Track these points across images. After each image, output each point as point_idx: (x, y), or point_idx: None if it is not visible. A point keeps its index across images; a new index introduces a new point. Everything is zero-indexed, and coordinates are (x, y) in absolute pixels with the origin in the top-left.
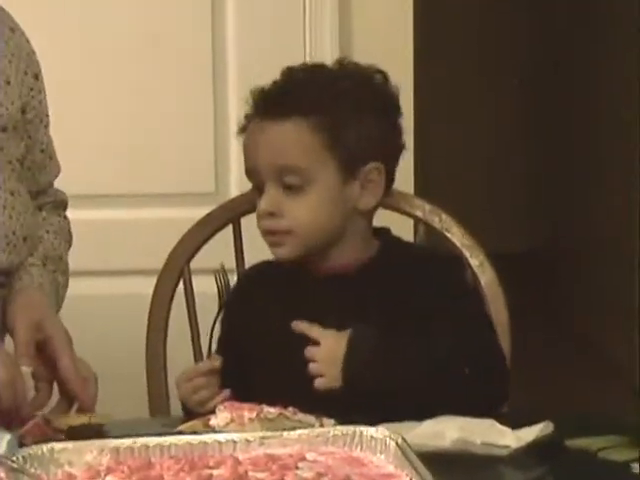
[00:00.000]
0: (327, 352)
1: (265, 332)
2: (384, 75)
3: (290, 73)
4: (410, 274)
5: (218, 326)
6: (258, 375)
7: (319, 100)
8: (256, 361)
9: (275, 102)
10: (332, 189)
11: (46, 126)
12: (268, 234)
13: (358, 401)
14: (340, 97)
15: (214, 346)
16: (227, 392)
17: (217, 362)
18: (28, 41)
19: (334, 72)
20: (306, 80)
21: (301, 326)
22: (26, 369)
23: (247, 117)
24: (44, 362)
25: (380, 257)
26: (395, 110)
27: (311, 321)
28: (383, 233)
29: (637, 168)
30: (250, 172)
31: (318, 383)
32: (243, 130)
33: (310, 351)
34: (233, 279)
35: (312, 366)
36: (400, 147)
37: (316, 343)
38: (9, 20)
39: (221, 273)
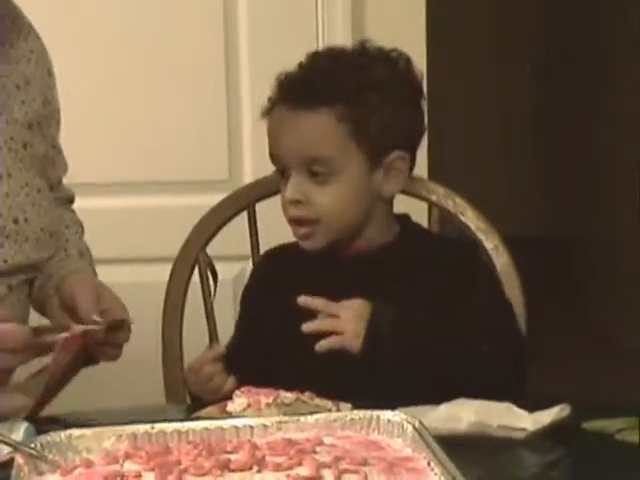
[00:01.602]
0: (353, 312)
1: (286, 315)
2: (407, 59)
3: (315, 60)
4: (429, 257)
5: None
6: (280, 358)
7: (345, 91)
8: (277, 344)
9: (301, 92)
10: (358, 178)
11: (58, 122)
12: (295, 224)
13: (374, 371)
14: (365, 87)
15: (220, 332)
16: (233, 378)
17: (221, 348)
18: (39, 37)
19: (359, 60)
20: (331, 69)
21: (316, 302)
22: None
23: (271, 100)
24: None
25: (400, 241)
26: (418, 95)
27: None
28: (403, 219)
29: None
30: (273, 157)
31: (335, 341)
32: (267, 113)
33: (334, 310)
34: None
35: (333, 324)
36: (422, 132)
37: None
38: (25, 16)
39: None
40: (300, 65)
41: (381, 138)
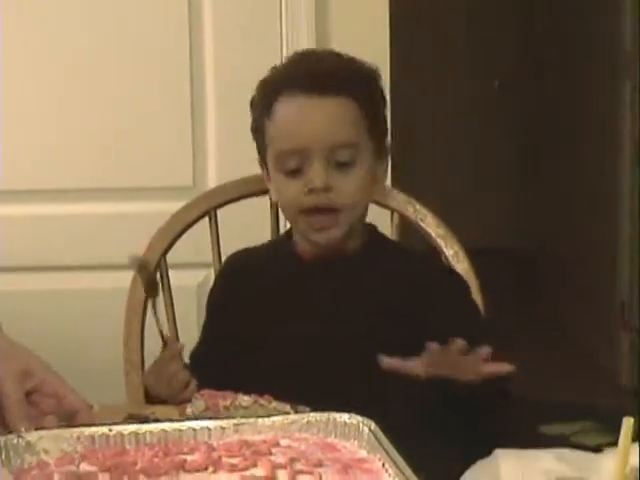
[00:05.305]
0: None
1: (253, 318)
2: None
3: (320, 55)
4: (395, 268)
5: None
6: (247, 361)
7: (362, 82)
8: (244, 348)
9: (324, 80)
10: (370, 166)
11: None
12: (317, 214)
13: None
14: (373, 82)
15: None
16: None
17: (178, 345)
18: None
19: (354, 59)
20: (345, 62)
21: None
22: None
23: (268, 94)
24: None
25: (367, 249)
26: None
27: (298, 306)
28: (371, 228)
29: (623, 167)
30: (288, 153)
31: None
32: (268, 107)
33: None
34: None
35: None
36: None
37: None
38: None
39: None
40: (304, 59)
41: (385, 134)
